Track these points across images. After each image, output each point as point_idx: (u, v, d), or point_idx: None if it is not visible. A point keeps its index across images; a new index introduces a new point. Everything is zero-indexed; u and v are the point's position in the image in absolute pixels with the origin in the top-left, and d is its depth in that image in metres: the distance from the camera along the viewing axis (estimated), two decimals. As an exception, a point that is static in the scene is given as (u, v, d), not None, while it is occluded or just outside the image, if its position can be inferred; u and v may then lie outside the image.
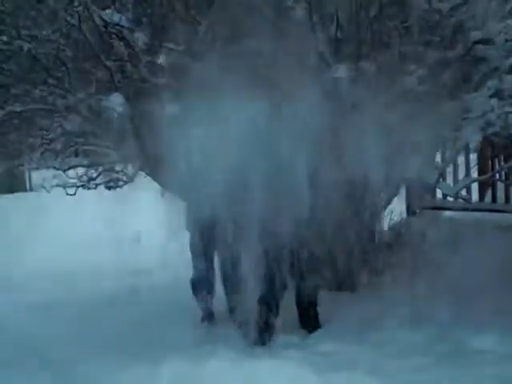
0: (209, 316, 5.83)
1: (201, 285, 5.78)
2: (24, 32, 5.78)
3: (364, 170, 5.61)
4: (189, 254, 5.89)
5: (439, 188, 6.08)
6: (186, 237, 6.02)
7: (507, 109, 4.62)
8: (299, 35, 5.12)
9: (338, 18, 5.15)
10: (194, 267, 5.80)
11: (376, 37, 5.19)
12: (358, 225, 5.78)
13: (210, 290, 5.82)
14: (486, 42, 5.28)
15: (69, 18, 5.67)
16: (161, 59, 5.45)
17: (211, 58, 5.30)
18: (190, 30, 5.57)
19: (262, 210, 5.25)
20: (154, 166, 6.20)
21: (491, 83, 4.82)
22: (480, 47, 5.35)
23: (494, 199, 6.62)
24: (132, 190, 7.13)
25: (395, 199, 6.45)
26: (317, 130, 5.11)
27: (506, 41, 5.07)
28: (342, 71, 4.73)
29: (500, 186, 6.60)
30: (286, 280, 5.35)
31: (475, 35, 5.26)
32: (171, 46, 5.60)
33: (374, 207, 6.16)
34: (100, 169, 6.51)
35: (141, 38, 5.48)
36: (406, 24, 5.04)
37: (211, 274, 5.79)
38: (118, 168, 6.54)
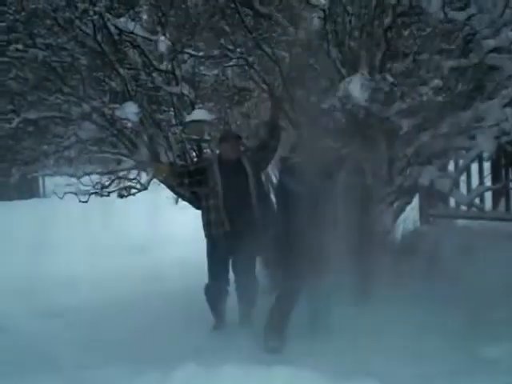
0: (221, 324, 5.84)
1: (215, 293, 5.80)
2: (39, 40, 5.84)
3: (378, 178, 5.63)
4: (199, 263, 5.90)
5: (453, 197, 6.06)
6: (199, 245, 6.05)
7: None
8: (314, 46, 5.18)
9: (351, 28, 5.18)
10: (209, 275, 5.81)
11: (390, 47, 5.20)
12: (371, 234, 5.77)
13: (224, 298, 5.83)
14: (499, 50, 5.28)
15: (84, 27, 5.72)
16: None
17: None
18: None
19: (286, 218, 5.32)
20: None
21: (505, 92, 4.81)
22: (494, 56, 5.35)
23: (507, 208, 6.59)
24: (145, 197, 7.18)
25: (408, 208, 6.44)
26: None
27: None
28: (355, 82, 4.73)
29: (514, 195, 6.58)
30: (300, 287, 5.35)
31: (489, 44, 5.25)
32: (192, 51, 5.65)
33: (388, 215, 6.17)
34: (113, 176, 6.54)
35: (162, 43, 5.50)
36: (420, 34, 5.05)
37: (225, 282, 5.81)
38: (131, 176, 6.58)
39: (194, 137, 6.14)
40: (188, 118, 5.95)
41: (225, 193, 5.65)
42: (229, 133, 6.18)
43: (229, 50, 5.55)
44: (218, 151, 6.02)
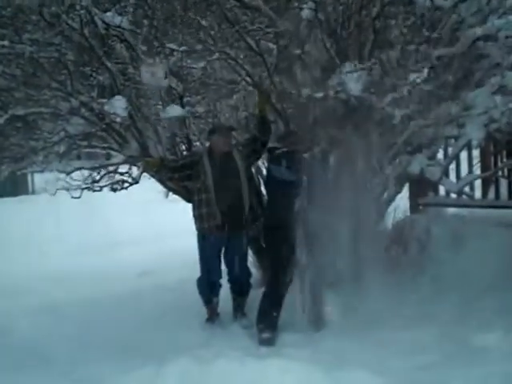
0: (214, 316, 5.84)
1: (207, 285, 5.79)
2: (26, 36, 5.79)
3: (368, 168, 5.64)
4: (191, 256, 5.89)
5: (442, 185, 6.07)
6: (189, 239, 6.05)
7: (511, 105, 4.61)
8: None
9: (343, 18, 5.16)
10: (202, 268, 5.80)
11: (378, 35, 5.20)
12: (362, 223, 5.78)
13: (216, 291, 5.83)
14: (486, 38, 5.28)
15: (70, 22, 5.68)
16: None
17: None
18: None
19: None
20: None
21: (494, 80, 4.81)
22: (481, 44, 5.35)
23: (497, 196, 6.60)
24: (136, 191, 7.15)
25: (399, 196, 6.45)
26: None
27: (507, 37, 5.07)
28: (349, 71, 4.72)
29: (503, 183, 6.58)
30: (289, 278, 5.37)
31: (476, 32, 5.26)
32: (173, 46, 5.61)
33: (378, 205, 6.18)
34: (103, 171, 6.52)
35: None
36: (408, 22, 5.04)
37: (218, 276, 5.81)
38: (122, 170, 6.56)
39: (173, 132, 6.06)
40: (163, 116, 5.90)
41: (216, 186, 5.62)
42: (220, 124, 6.15)
43: (208, 43, 5.47)
44: (208, 144, 5.99)
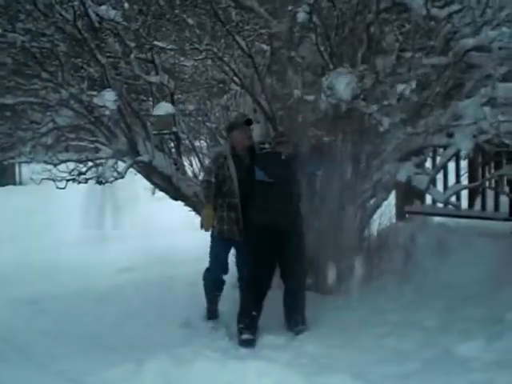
0: (214, 314, 5.78)
1: (214, 281, 5.72)
2: (19, 25, 5.75)
3: (355, 174, 5.65)
4: (174, 253, 5.84)
5: (430, 193, 6.08)
6: (174, 236, 6.01)
7: (500, 117, 4.62)
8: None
9: (337, 23, 5.16)
10: (211, 263, 5.71)
11: (372, 41, 5.21)
12: (347, 229, 5.79)
13: (222, 288, 5.78)
14: (479, 49, 5.31)
15: (64, 13, 5.65)
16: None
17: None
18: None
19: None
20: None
21: (484, 91, 4.82)
22: (473, 54, 5.37)
23: (483, 207, 6.63)
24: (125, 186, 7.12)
25: (385, 203, 6.46)
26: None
27: (500, 48, 5.09)
28: (340, 76, 4.72)
29: (490, 194, 6.60)
30: (270, 281, 5.35)
31: (468, 42, 5.28)
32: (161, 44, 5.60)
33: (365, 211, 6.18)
34: (90, 164, 6.48)
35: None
36: (401, 31, 5.05)
37: (225, 271, 5.72)
38: (109, 163, 6.51)
39: (162, 131, 5.98)
40: (154, 112, 5.85)
41: (241, 190, 5.46)
42: (238, 119, 5.82)
43: (195, 42, 5.43)
44: (229, 141, 5.75)
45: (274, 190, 5.27)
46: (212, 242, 5.70)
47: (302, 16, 5.03)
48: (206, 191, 5.54)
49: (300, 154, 5.44)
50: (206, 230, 5.52)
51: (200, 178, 6.64)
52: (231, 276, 5.81)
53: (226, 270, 5.73)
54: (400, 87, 4.65)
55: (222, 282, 5.76)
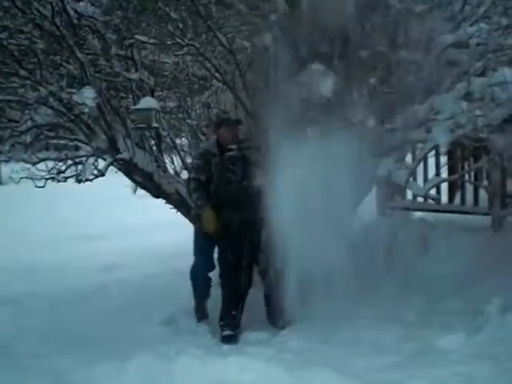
0: (205, 314, 5.73)
1: (201, 277, 5.68)
2: (-5, 22, 5.71)
3: (336, 170, 5.65)
4: (156, 252, 5.82)
5: (409, 188, 6.12)
6: (156, 235, 6.00)
7: (477, 111, 4.66)
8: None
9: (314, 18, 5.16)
10: (196, 259, 5.68)
11: (349, 37, 5.22)
12: (328, 224, 5.79)
13: (208, 282, 5.74)
14: (457, 45, 5.34)
15: (42, 10, 5.61)
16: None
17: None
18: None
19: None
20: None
21: (461, 85, 4.86)
22: (452, 50, 5.40)
23: (463, 201, 6.69)
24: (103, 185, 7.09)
25: (366, 199, 6.49)
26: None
27: (478, 44, 5.13)
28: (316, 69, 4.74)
29: (469, 188, 6.67)
30: (251, 277, 5.36)
31: (447, 39, 5.31)
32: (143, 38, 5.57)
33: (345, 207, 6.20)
34: (69, 162, 6.44)
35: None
36: (379, 25, 5.07)
37: (211, 266, 5.68)
38: (89, 161, 6.48)
39: (141, 125, 5.94)
40: (135, 106, 5.83)
41: (222, 189, 5.43)
42: (227, 117, 5.80)
43: (177, 36, 5.40)
44: (214, 137, 5.70)
45: (247, 190, 5.27)
46: (196, 239, 5.68)
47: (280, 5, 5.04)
48: (197, 193, 5.46)
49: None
50: (213, 232, 5.41)
51: (182, 176, 6.62)
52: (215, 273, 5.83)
53: (212, 267, 5.69)
54: (373, 81, 4.67)
55: (210, 279, 5.74)
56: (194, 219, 5.70)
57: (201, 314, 5.72)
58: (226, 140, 5.52)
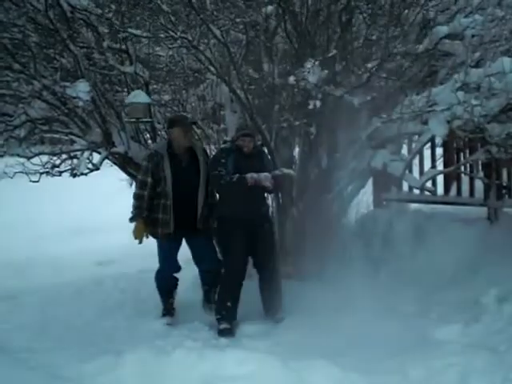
0: (172, 311, 5.68)
1: (166, 280, 5.66)
2: (-12, 16, 5.68)
3: (332, 162, 5.65)
4: (152, 246, 5.77)
5: (405, 180, 6.12)
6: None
7: (473, 102, 4.65)
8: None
9: (307, 12, 5.17)
10: (161, 264, 5.61)
11: (344, 30, 5.22)
12: (325, 216, 5.81)
13: (175, 285, 5.72)
14: (453, 36, 5.34)
15: (35, 3, 5.58)
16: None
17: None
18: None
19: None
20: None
21: (457, 76, 4.85)
22: (447, 42, 5.40)
23: (459, 192, 6.68)
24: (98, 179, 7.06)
25: (362, 191, 6.49)
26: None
27: (473, 36, 5.12)
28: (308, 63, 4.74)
29: (465, 180, 6.66)
30: (244, 271, 5.34)
31: (442, 30, 5.30)
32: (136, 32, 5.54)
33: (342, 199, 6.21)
34: (64, 156, 6.42)
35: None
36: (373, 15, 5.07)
37: (176, 269, 5.65)
38: (84, 155, 6.46)
39: (133, 119, 5.87)
40: (128, 100, 5.77)
41: (175, 193, 5.31)
42: (180, 116, 5.78)
43: (170, 30, 5.35)
44: (167, 137, 5.63)
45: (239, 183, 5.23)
46: (158, 243, 5.57)
47: (269, 9, 5.03)
48: (138, 201, 5.39)
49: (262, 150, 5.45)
50: (139, 242, 5.44)
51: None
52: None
53: (177, 269, 5.64)
54: (369, 65, 4.66)
55: (176, 280, 5.69)
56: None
57: (167, 311, 5.66)
58: (177, 141, 5.36)
